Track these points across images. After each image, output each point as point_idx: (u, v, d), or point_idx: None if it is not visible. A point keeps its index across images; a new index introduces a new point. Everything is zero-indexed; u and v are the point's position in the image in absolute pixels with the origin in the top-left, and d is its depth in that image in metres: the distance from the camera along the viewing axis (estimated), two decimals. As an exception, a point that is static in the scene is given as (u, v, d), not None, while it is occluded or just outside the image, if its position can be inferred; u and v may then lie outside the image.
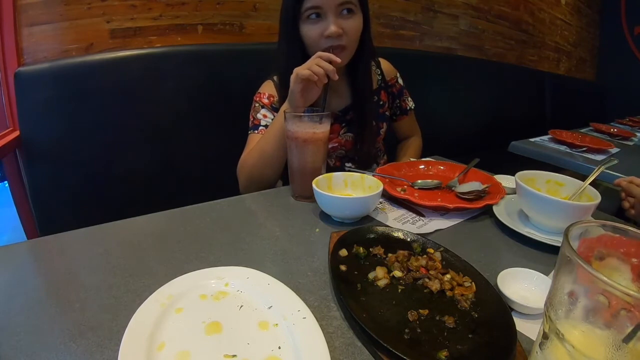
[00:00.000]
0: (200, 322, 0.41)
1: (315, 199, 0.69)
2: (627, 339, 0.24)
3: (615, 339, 0.25)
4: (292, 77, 0.81)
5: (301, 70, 0.79)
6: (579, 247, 0.30)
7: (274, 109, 0.96)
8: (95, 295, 0.47)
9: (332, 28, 0.84)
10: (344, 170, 0.80)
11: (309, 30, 0.87)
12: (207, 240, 0.61)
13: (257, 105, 0.98)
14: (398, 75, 1.14)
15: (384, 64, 1.11)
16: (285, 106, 0.86)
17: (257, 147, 0.90)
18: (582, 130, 1.88)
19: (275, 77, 1.00)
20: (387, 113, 1.12)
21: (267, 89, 1.00)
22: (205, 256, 0.56)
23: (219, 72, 1.28)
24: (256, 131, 0.95)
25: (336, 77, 0.80)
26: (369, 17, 0.93)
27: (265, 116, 0.96)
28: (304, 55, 0.90)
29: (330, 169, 0.81)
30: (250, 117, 0.99)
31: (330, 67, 0.79)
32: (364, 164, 1.03)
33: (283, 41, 0.93)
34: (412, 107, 1.17)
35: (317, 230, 0.66)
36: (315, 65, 0.79)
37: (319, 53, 0.81)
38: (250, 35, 1.49)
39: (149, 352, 0.36)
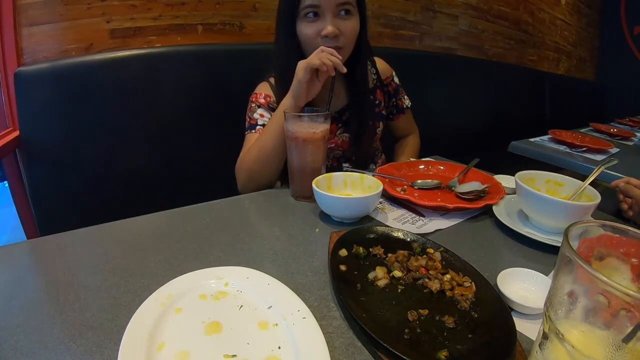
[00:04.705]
0: (200, 322, 0.41)
1: (315, 199, 0.69)
2: (627, 339, 0.24)
3: (615, 339, 0.25)
4: (301, 67, 0.80)
5: (311, 60, 0.79)
6: (579, 247, 0.30)
7: (271, 109, 0.96)
8: (95, 295, 0.47)
9: (329, 28, 0.84)
10: (342, 171, 0.80)
11: (306, 29, 0.87)
12: (206, 240, 0.61)
13: (253, 105, 0.98)
14: (394, 74, 1.14)
15: (380, 63, 1.11)
16: (285, 101, 0.85)
17: (256, 144, 0.90)
18: (581, 130, 1.88)
19: (270, 79, 1.00)
20: (383, 112, 1.12)
21: (263, 90, 1.00)
22: (205, 256, 0.57)
23: (219, 72, 1.28)
24: (253, 131, 0.95)
25: (344, 69, 0.81)
26: (366, 18, 0.93)
27: (262, 116, 0.96)
28: (301, 54, 0.90)
29: (327, 169, 0.81)
30: (247, 117, 0.99)
31: (338, 60, 0.79)
32: (361, 164, 1.04)
33: (280, 39, 0.93)
34: (409, 106, 1.17)
35: (317, 230, 0.66)
36: (325, 57, 0.79)
37: (322, 47, 0.81)
38: (250, 35, 1.49)
39: (149, 352, 0.36)
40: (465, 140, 2.10)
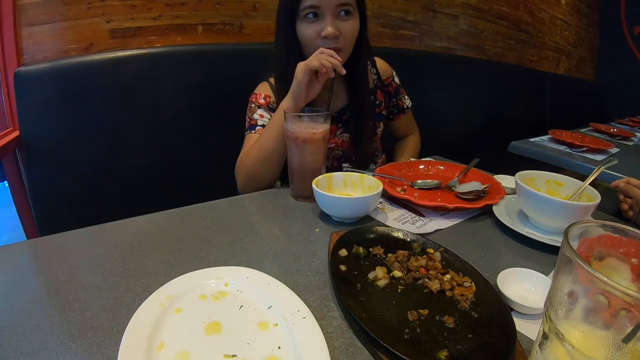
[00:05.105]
0: (200, 322, 0.41)
1: (315, 199, 0.69)
2: (627, 339, 0.24)
3: (615, 339, 0.25)
4: (300, 69, 0.80)
5: (311, 62, 0.79)
6: (579, 247, 0.30)
7: (271, 109, 0.96)
8: (95, 295, 0.47)
9: (329, 29, 0.84)
10: (342, 171, 0.80)
11: (306, 30, 0.87)
12: (206, 240, 0.61)
13: (253, 105, 0.98)
14: (394, 74, 1.14)
15: (380, 63, 1.11)
16: (284, 102, 0.85)
17: (256, 144, 0.90)
18: (582, 130, 1.88)
19: (270, 79, 1.00)
20: (383, 112, 1.12)
21: (263, 90, 1.00)
22: (204, 256, 0.57)
23: (219, 72, 1.28)
24: (253, 131, 0.95)
25: (343, 71, 0.80)
26: (366, 18, 0.93)
27: (262, 116, 0.96)
28: (301, 54, 0.90)
29: (327, 169, 0.81)
30: (247, 117, 0.99)
31: (337, 62, 0.79)
32: (361, 164, 1.04)
33: (280, 39, 0.93)
34: (410, 106, 1.17)
35: (317, 230, 0.66)
36: (324, 59, 0.79)
37: (322, 49, 0.81)
38: (250, 35, 1.49)
39: (149, 352, 0.36)
40: (465, 140, 2.10)
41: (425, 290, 0.48)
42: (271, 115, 0.94)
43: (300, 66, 0.81)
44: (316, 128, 0.76)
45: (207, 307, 0.43)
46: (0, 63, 1.10)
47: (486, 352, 0.39)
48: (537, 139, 1.65)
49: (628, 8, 3.31)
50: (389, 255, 0.55)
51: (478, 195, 0.75)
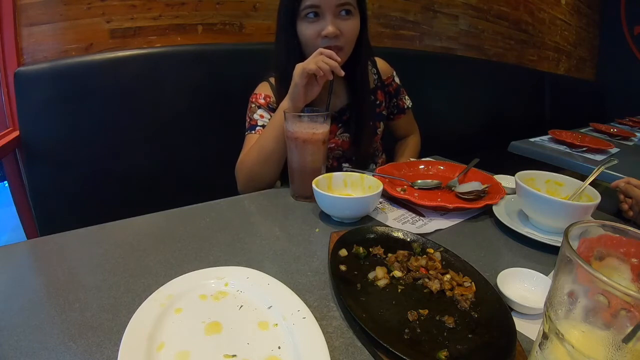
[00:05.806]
0: (199, 322, 0.41)
1: (315, 199, 0.69)
2: (627, 339, 0.24)
3: (615, 339, 0.25)
4: (298, 71, 0.80)
5: (308, 65, 0.79)
6: (579, 247, 0.30)
7: (271, 109, 0.96)
8: (95, 295, 0.47)
9: (330, 29, 0.84)
10: (342, 171, 0.80)
11: (306, 29, 0.87)
12: (206, 240, 0.61)
13: (253, 106, 0.98)
14: (394, 74, 1.14)
15: (380, 63, 1.11)
16: (284, 103, 0.85)
17: (256, 145, 0.90)
18: (582, 130, 1.88)
19: (270, 79, 1.00)
20: (383, 112, 1.12)
21: (263, 90, 1.00)
22: (204, 256, 0.57)
23: (218, 72, 1.28)
24: (253, 131, 0.95)
25: (342, 72, 0.80)
26: (367, 17, 0.93)
27: (262, 116, 0.96)
28: (301, 54, 0.90)
29: (327, 169, 0.81)
30: (247, 117, 0.99)
31: (335, 63, 0.79)
32: (361, 164, 1.04)
33: (281, 39, 0.93)
34: (410, 106, 1.17)
35: (317, 230, 0.66)
36: (321, 61, 0.79)
37: (321, 50, 0.81)
38: (250, 35, 1.49)
39: (149, 352, 0.36)
40: (465, 140, 2.10)
41: (425, 290, 0.48)
42: (271, 116, 0.94)
43: (298, 68, 0.81)
44: (316, 128, 0.76)
45: (207, 307, 0.43)
46: (0, 63, 1.10)
47: (486, 352, 0.39)
48: (537, 139, 1.65)
49: (628, 8, 3.31)
50: (389, 255, 0.55)
51: (478, 195, 0.75)
